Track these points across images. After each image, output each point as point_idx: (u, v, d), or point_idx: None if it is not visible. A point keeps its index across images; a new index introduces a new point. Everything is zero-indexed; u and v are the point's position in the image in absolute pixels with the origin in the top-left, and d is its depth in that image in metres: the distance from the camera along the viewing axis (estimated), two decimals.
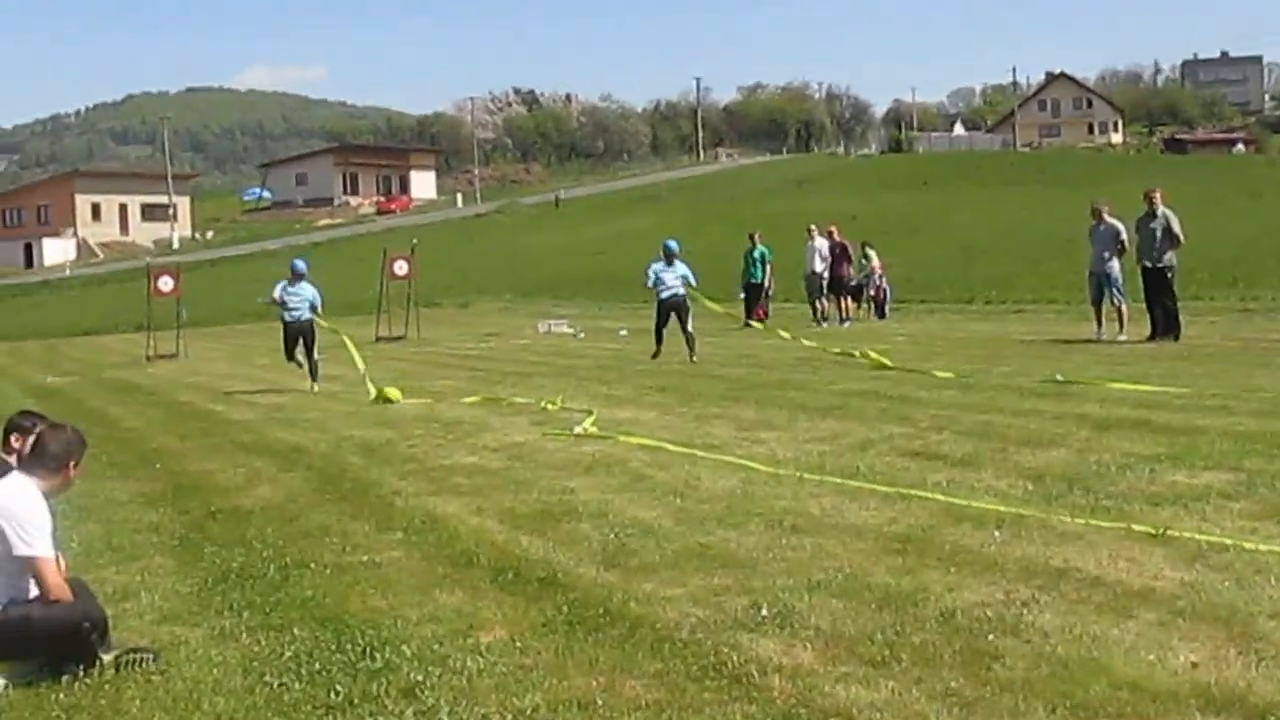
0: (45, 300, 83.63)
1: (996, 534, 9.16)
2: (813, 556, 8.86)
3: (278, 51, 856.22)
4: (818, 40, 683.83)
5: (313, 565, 9.41)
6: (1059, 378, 18.33)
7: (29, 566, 7.03)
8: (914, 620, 7.30)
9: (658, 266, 25.80)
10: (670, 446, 13.88)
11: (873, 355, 22.17)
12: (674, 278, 25.46)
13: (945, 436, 13.68)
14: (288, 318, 24.31)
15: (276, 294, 24.67)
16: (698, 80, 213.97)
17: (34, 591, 7.10)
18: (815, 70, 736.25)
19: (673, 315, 25.30)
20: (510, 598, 8.28)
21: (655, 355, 25.65)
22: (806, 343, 25.32)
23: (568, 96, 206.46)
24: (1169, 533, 8.82)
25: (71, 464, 7.40)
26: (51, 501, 7.28)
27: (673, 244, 26.47)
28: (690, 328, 25.22)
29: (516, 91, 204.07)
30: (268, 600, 8.51)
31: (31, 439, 7.68)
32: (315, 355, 24.14)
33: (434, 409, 18.96)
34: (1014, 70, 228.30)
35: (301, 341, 24.08)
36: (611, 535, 9.82)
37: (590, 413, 16.90)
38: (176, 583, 9.19)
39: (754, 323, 33.94)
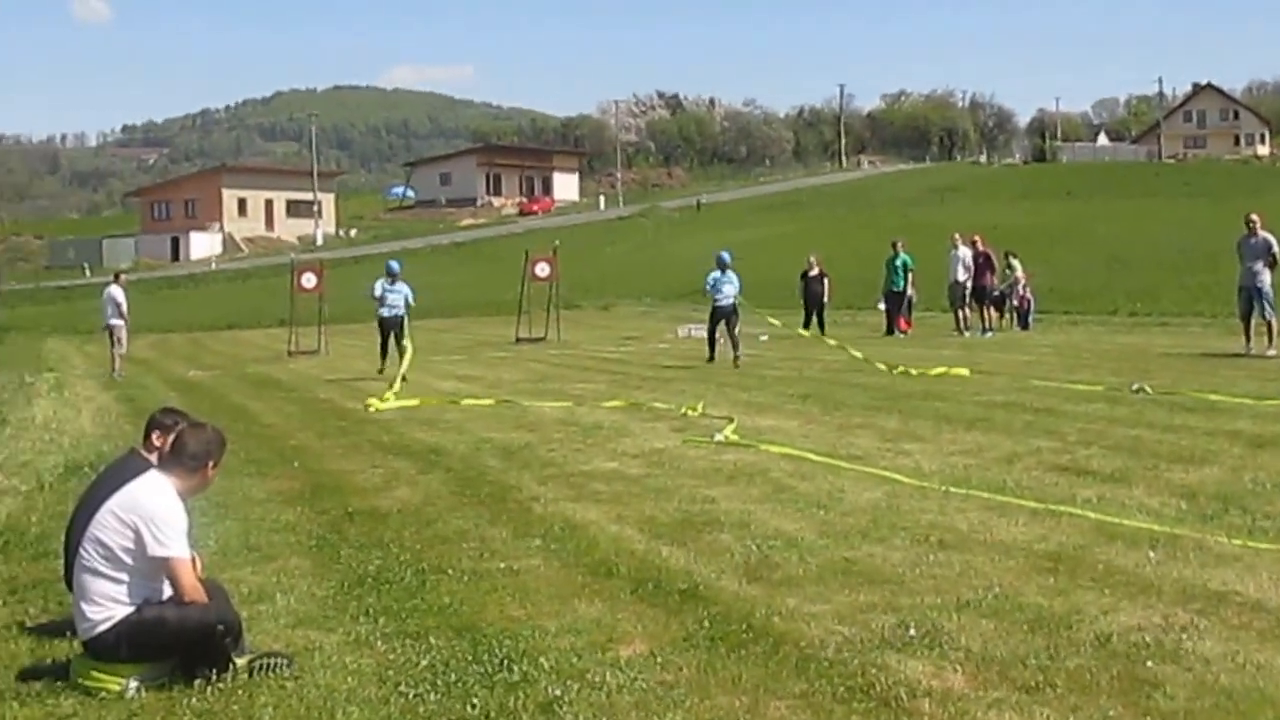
0: (190, 294, 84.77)
1: (1151, 554, 8.90)
2: (961, 574, 8.65)
3: (425, 51, 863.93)
4: (962, 48, 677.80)
5: (450, 571, 9.32)
6: (1144, 388, 18.51)
7: (164, 567, 6.98)
8: (1068, 644, 7.08)
9: (716, 275, 27.88)
10: (813, 456, 13.69)
11: (901, 368, 23.30)
12: (730, 286, 27.54)
13: (1094, 451, 13.37)
14: (384, 313, 27.46)
15: (377, 291, 27.64)
16: (841, 87, 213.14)
17: (168, 592, 7.05)
18: (960, 78, 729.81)
19: (723, 321, 27.35)
20: (651, 610, 8.14)
21: (710, 360, 27.25)
22: (854, 353, 25.13)
23: (711, 101, 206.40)
24: None
25: (210, 464, 7.35)
26: (188, 501, 7.22)
27: (725, 255, 28.96)
28: (737, 332, 27.18)
29: (660, 95, 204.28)
30: (404, 606, 8.42)
31: (172, 437, 7.62)
32: (405, 342, 26.28)
33: (574, 413, 18.87)
34: (1160, 81, 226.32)
35: (392, 335, 27.02)
36: (754, 547, 9.65)
37: (731, 420, 16.72)
38: (313, 585, 9.13)
39: (899, 332, 33.68)
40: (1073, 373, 21.75)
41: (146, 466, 7.68)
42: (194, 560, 7.31)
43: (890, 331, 34.03)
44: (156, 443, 8.18)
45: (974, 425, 15.74)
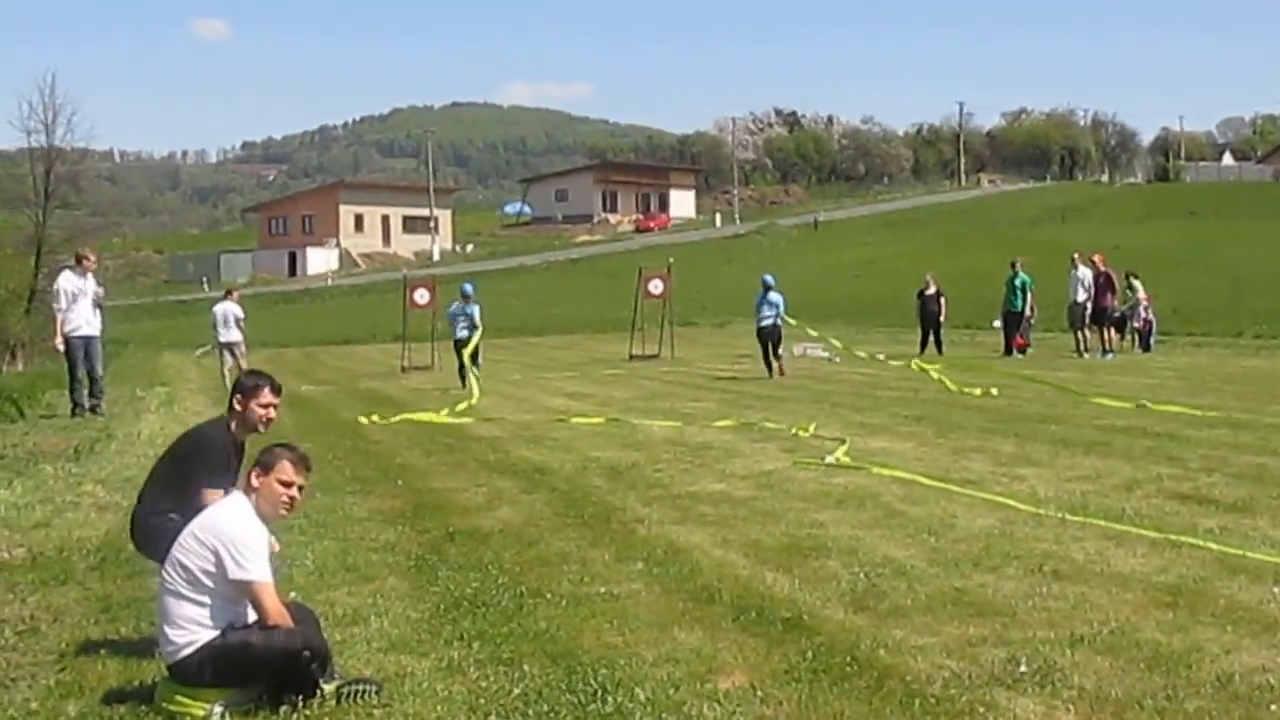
0: (306, 309, 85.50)
1: (1276, 590, 8.54)
2: (1075, 607, 8.33)
3: (542, 68, 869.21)
4: (1085, 66, 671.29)
5: (548, 595, 9.11)
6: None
7: (245, 591, 6.84)
8: (1187, 684, 6.76)
9: (759, 296, 29.78)
10: (925, 480, 13.37)
11: (925, 368, 24.99)
12: (768, 308, 29.22)
13: (1216, 479, 12.96)
14: (458, 335, 29.23)
15: (452, 310, 29.91)
16: (961, 104, 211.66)
17: (253, 616, 6.91)
18: (1081, 96, 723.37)
19: (769, 341, 28.95)
20: (752, 639, 7.89)
21: (769, 375, 28.58)
22: (894, 362, 24.80)
23: (829, 118, 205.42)
24: None
25: (274, 476, 7.12)
26: (268, 523, 7.07)
27: (768, 278, 30.49)
28: (780, 351, 29.27)
29: (778, 112, 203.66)
30: (499, 631, 8.22)
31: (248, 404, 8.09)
32: (479, 359, 28.12)
33: (683, 432, 18.65)
34: None
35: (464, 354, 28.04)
36: (861, 575, 9.37)
37: (843, 441, 16.46)
38: (408, 608, 8.95)
39: (1017, 353, 33.21)
40: (1196, 397, 21.24)
41: (218, 433, 8.07)
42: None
43: (1008, 352, 33.51)
44: (238, 407, 8.11)
45: (1092, 450, 15.34)
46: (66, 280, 21.73)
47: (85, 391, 21.70)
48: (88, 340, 21.43)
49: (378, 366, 37.67)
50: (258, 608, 6.87)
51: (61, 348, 21.52)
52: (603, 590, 9.22)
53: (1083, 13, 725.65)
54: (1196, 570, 9.15)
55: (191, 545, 6.89)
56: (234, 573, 6.79)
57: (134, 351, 42.06)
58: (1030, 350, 33.93)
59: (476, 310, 29.52)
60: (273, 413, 8.19)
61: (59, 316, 21.48)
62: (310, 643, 6.90)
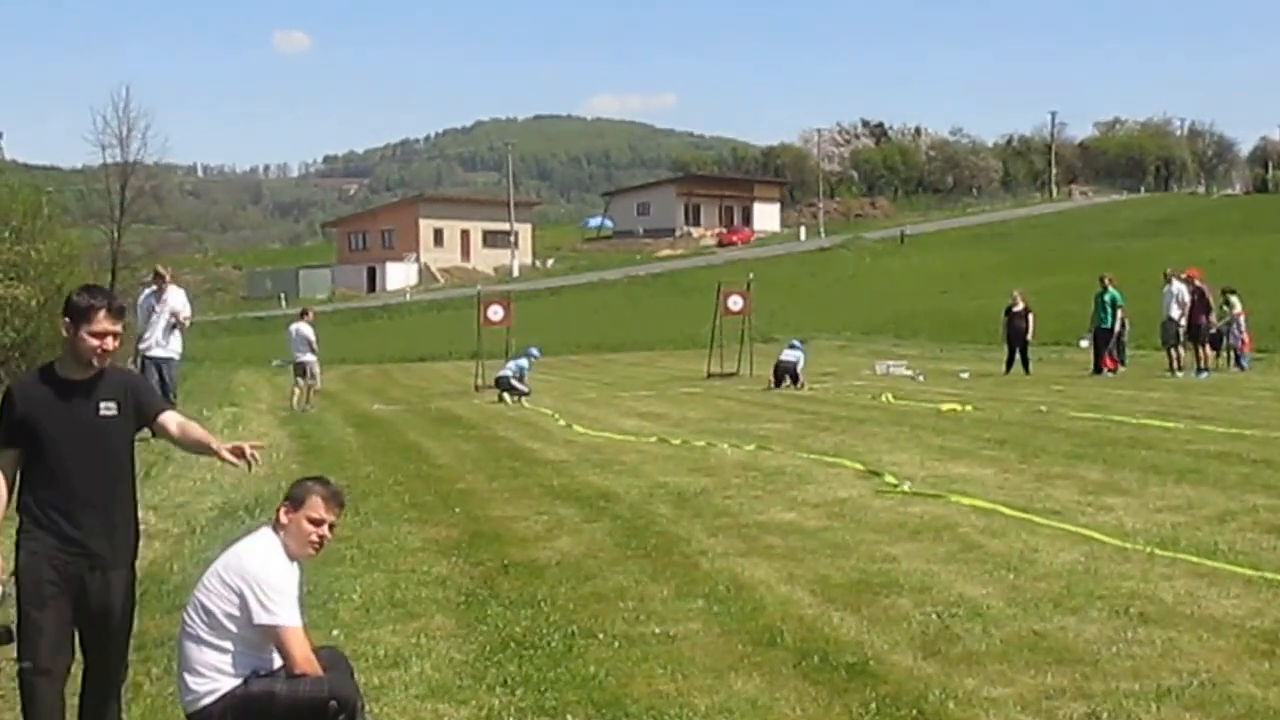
0: (384, 324, 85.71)
1: None
2: (1163, 654, 7.79)
3: (626, 79, 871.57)
4: (1181, 75, 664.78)
5: (601, 635, 8.67)
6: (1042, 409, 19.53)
7: (271, 636, 6.38)
8: None
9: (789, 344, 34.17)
10: (1005, 510, 12.79)
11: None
12: (790, 351, 32.83)
13: None
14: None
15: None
16: (1053, 115, 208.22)
17: (279, 663, 6.45)
18: (1177, 105, 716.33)
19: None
20: (813, 687, 7.44)
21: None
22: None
23: (917, 130, 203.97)
24: None
25: (302, 512, 6.65)
26: (298, 563, 6.60)
27: (796, 341, 34.70)
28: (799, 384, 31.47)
29: (864, 123, 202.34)
30: (545, 676, 7.80)
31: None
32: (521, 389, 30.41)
33: (756, 456, 18.10)
34: None
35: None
36: (934, 615, 8.87)
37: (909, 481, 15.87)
38: (453, 649, 8.55)
39: (1107, 371, 32.43)
40: None
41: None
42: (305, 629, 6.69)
43: (1098, 370, 32.69)
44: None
45: (1184, 477, 14.69)
46: (142, 298, 21.42)
47: None
48: (159, 362, 20.81)
49: (452, 384, 37.39)
50: (284, 654, 6.41)
51: (134, 368, 21.03)
52: (659, 630, 8.79)
53: (1178, 19, 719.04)
54: None
55: (215, 586, 6.44)
56: (260, 617, 6.34)
57: (208, 369, 41.97)
58: (1122, 369, 33.11)
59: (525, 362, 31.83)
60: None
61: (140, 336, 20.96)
62: (338, 693, 6.46)
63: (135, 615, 6.87)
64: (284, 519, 6.65)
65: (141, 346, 20.85)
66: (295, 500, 6.69)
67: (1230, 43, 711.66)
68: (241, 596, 6.36)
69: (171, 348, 21.07)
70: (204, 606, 6.43)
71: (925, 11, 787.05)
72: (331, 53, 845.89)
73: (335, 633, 8.85)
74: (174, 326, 20.98)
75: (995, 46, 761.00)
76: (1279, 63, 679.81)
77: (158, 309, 20.88)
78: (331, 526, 6.77)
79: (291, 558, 6.59)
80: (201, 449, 6.89)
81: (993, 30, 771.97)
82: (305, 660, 6.40)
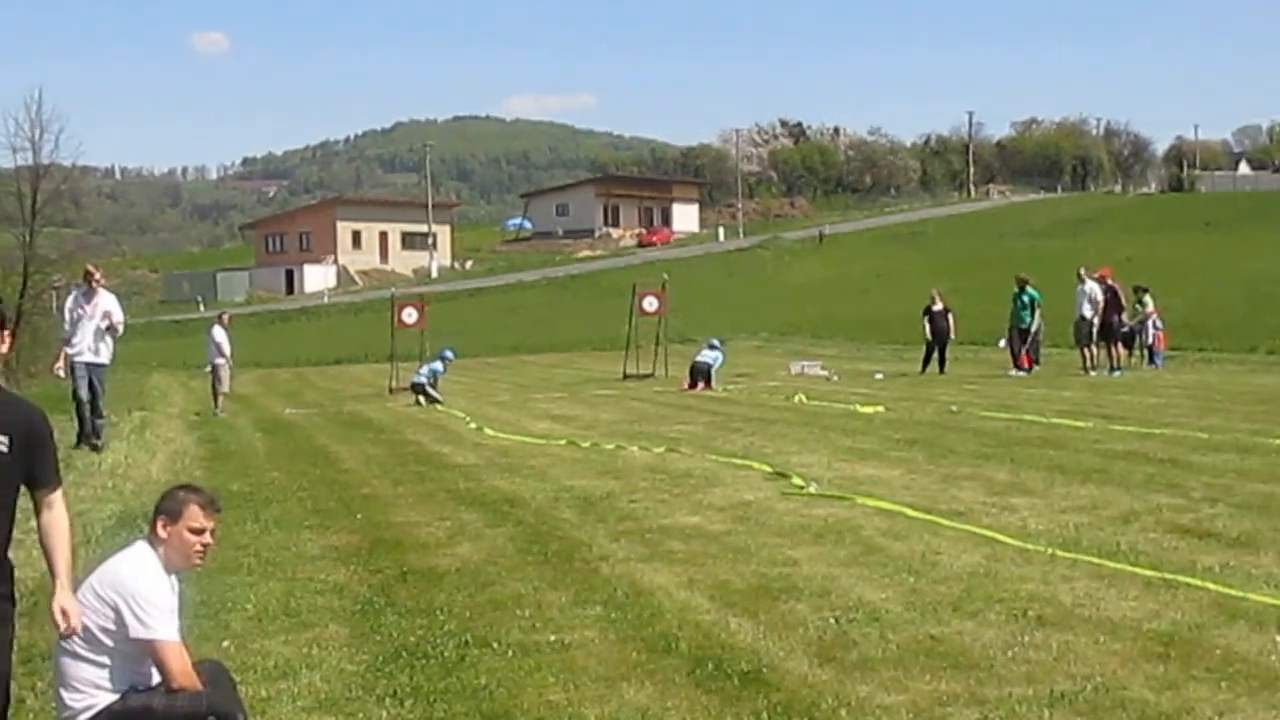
0: (302, 327, 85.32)
1: (1278, 638, 7.92)
2: (1058, 658, 7.73)
3: (545, 80, 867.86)
4: (1097, 74, 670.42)
5: (495, 645, 8.52)
6: (953, 409, 20.31)
7: (148, 650, 6.21)
8: None
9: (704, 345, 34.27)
10: (910, 512, 12.73)
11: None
12: (709, 352, 32.98)
13: (1220, 510, 12.32)
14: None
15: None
16: (970, 114, 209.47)
17: (158, 677, 6.28)
18: (1094, 105, 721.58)
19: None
20: (705, 696, 7.34)
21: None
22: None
23: (835, 130, 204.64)
24: None
25: (176, 524, 6.46)
26: (174, 577, 6.42)
27: (715, 340, 34.47)
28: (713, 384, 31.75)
29: (783, 124, 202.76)
30: (436, 687, 7.66)
31: None
32: (435, 395, 30.08)
33: (665, 459, 17.98)
34: None
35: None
36: (831, 620, 8.78)
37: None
38: (344, 659, 8.37)
39: (1020, 370, 32.54)
40: (1203, 417, 20.64)
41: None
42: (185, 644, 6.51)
43: (1018, 369, 32.75)
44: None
45: (1090, 477, 14.71)
46: (70, 300, 20.35)
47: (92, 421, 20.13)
48: (91, 368, 19.84)
49: (367, 387, 37.20)
50: (162, 669, 6.23)
51: (62, 374, 20.20)
52: (554, 639, 8.66)
53: (1095, 20, 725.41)
54: (1193, 615, 8.56)
55: (90, 601, 6.24)
56: (136, 631, 6.15)
57: (123, 373, 41.48)
58: (1037, 368, 33.24)
59: (440, 365, 31.67)
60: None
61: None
62: (217, 707, 6.30)
63: (13, 644, 6.57)
64: (162, 533, 6.45)
65: (71, 352, 19.78)
66: (171, 513, 6.49)
67: (1146, 43, 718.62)
68: (117, 611, 6.18)
69: (103, 354, 20.03)
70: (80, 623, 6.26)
71: (842, 11, 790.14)
72: (250, 54, 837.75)
73: (226, 643, 8.69)
74: (106, 330, 19.88)
75: (913, 46, 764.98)
76: (1194, 63, 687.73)
77: (87, 311, 19.77)
78: (212, 533, 6.59)
79: (169, 571, 6.42)
80: (48, 563, 6.33)
81: (910, 30, 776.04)
82: (183, 674, 6.24)
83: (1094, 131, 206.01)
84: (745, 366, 39.49)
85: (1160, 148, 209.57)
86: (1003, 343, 34.72)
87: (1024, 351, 33.28)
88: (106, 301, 20.07)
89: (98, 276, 20.39)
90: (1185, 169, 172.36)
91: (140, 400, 31.48)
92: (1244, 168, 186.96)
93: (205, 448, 21.71)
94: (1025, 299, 33.17)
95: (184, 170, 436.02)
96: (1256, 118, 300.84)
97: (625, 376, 36.63)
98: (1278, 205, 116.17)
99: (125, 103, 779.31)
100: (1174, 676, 7.29)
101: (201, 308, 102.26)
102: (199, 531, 6.45)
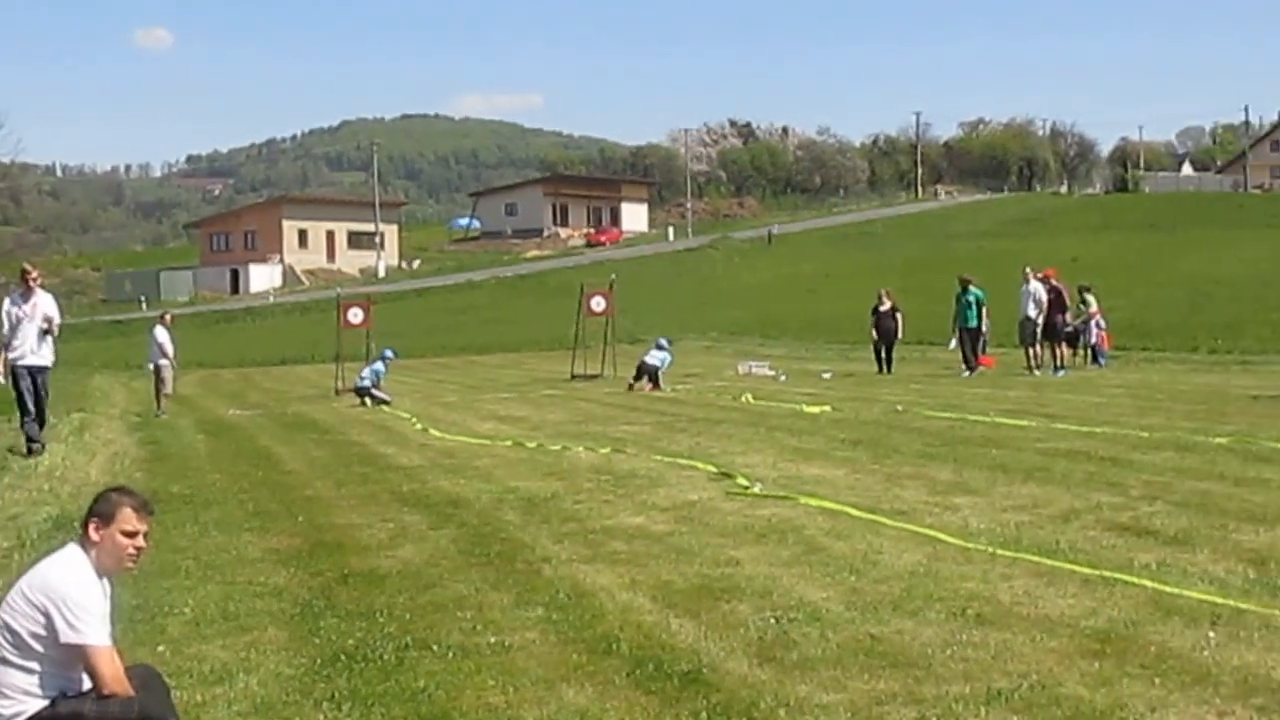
0: (247, 327, 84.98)
1: (1211, 634, 7.99)
2: (996, 656, 7.77)
3: (493, 79, 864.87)
4: (1043, 76, 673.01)
5: (435, 647, 8.51)
6: (899, 409, 20.89)
7: (79, 656, 6.16)
8: None
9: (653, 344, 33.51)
10: (853, 511, 12.78)
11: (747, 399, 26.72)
12: (657, 352, 32.42)
13: (1158, 508, 12.39)
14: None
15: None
16: (918, 115, 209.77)
17: (89, 683, 6.24)
18: (1040, 106, 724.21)
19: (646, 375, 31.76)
20: (645, 697, 7.34)
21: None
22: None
23: (784, 130, 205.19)
24: None
25: (108, 526, 6.43)
26: (105, 581, 6.38)
27: (664, 340, 34.04)
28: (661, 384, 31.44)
29: (732, 124, 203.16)
30: (374, 690, 7.63)
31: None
32: (382, 397, 30.13)
33: (611, 459, 18.01)
34: (1246, 109, 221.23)
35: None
36: (772, 620, 8.80)
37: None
38: (282, 663, 8.34)
39: (980, 368, 32.65)
40: (1144, 416, 20.77)
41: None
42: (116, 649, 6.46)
43: (971, 370, 32.80)
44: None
45: (1032, 476, 14.79)
46: (8, 303, 19.74)
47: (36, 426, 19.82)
48: (34, 371, 19.46)
49: (312, 388, 37.12)
50: (93, 674, 6.18)
51: (2, 379, 19.67)
52: (494, 641, 8.64)
53: (1041, 21, 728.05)
54: (1129, 612, 8.62)
55: (20, 606, 6.19)
56: (66, 636, 6.10)
57: (64, 374, 41.27)
58: (981, 369, 33.35)
59: (381, 366, 31.51)
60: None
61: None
62: (149, 713, 6.26)
63: None
64: (94, 535, 6.41)
65: (13, 355, 19.35)
66: (104, 516, 6.44)
67: (1091, 44, 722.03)
68: (48, 615, 6.12)
69: (45, 355, 19.65)
70: (9, 627, 6.18)
71: (791, 11, 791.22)
72: (195, 50, 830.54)
73: (161, 648, 8.64)
74: (46, 332, 19.47)
75: (861, 46, 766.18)
76: (1138, 65, 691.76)
77: (26, 312, 19.32)
78: (145, 536, 6.55)
79: (100, 574, 6.37)
80: None
81: (858, 30, 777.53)
82: (115, 680, 6.19)
83: (1040, 132, 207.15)
84: (694, 366, 39.55)
85: (1105, 149, 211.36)
86: (953, 344, 34.77)
87: (977, 351, 33.32)
88: (46, 302, 19.69)
89: (34, 276, 19.94)
90: (1130, 170, 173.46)
91: (80, 401, 31.33)
92: (1187, 169, 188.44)
93: (146, 449, 21.62)
94: (969, 299, 33.28)
95: (127, 168, 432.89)
96: (1200, 119, 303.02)
97: (573, 377, 36.64)
98: (1220, 206, 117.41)
99: (66, 99, 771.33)
100: (1109, 673, 7.34)
101: (144, 307, 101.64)
102: (132, 534, 6.42)
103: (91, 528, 6.41)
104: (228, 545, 12.35)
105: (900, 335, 35.25)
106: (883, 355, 34.81)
